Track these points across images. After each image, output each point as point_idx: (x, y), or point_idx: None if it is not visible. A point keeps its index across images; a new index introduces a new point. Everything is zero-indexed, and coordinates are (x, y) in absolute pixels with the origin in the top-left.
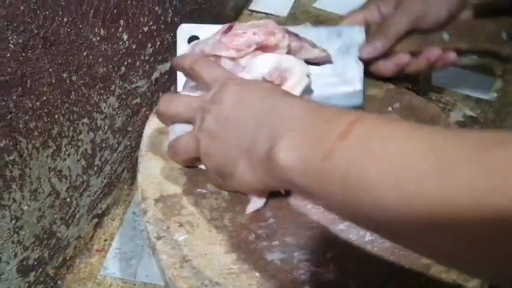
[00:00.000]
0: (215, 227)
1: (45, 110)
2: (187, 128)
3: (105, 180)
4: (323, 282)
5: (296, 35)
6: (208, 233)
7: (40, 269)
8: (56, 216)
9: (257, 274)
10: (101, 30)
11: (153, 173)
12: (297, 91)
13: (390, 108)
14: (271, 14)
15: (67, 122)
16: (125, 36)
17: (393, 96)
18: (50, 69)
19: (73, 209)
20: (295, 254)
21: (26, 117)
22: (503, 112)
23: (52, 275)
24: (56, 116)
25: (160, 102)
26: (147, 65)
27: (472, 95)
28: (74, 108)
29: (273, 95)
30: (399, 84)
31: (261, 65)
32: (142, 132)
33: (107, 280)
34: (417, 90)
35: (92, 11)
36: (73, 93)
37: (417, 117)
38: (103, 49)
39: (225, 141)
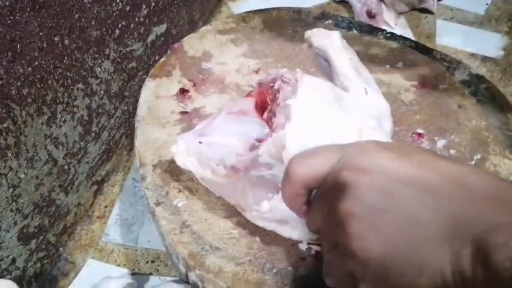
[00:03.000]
0: None
1: (38, 76)
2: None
3: (103, 147)
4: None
5: None
6: (208, 198)
7: (41, 237)
8: (54, 183)
9: (257, 239)
10: None
11: (151, 139)
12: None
13: (389, 66)
14: None
15: (61, 88)
16: None
17: (396, 55)
18: (40, 33)
19: (71, 176)
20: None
21: (18, 84)
22: (509, 70)
23: (53, 242)
24: (50, 82)
25: None
26: (142, 27)
27: (478, 53)
28: (68, 74)
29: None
30: (403, 42)
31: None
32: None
33: (108, 246)
34: None
35: None
36: (66, 57)
37: (421, 76)
38: (95, 11)
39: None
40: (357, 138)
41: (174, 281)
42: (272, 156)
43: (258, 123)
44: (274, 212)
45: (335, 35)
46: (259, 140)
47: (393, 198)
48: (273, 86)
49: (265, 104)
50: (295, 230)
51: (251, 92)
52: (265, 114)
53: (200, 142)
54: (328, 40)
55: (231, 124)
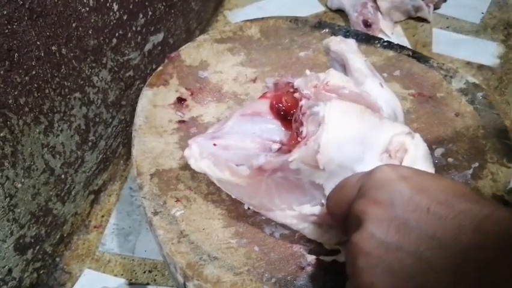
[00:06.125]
0: (212, 201)
1: (35, 85)
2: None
3: (100, 156)
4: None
5: None
6: (206, 207)
7: (37, 247)
8: (51, 193)
9: (256, 248)
10: (90, 0)
11: (148, 148)
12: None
13: (386, 75)
14: None
15: (59, 97)
16: (115, 7)
17: (393, 64)
18: (38, 42)
19: (68, 185)
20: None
21: (16, 93)
22: (505, 79)
23: (50, 252)
24: (47, 91)
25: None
26: (139, 37)
27: (474, 62)
28: (65, 83)
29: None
30: (400, 51)
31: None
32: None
33: (105, 256)
34: None
35: None
36: (63, 67)
37: (418, 85)
38: (92, 20)
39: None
40: (387, 143)
41: None
42: (304, 162)
43: (273, 123)
44: (316, 217)
45: (352, 41)
46: (277, 142)
47: (403, 235)
48: (292, 91)
49: (281, 103)
50: (326, 234)
51: (265, 94)
52: (293, 125)
53: (214, 145)
54: (345, 44)
55: (244, 126)
